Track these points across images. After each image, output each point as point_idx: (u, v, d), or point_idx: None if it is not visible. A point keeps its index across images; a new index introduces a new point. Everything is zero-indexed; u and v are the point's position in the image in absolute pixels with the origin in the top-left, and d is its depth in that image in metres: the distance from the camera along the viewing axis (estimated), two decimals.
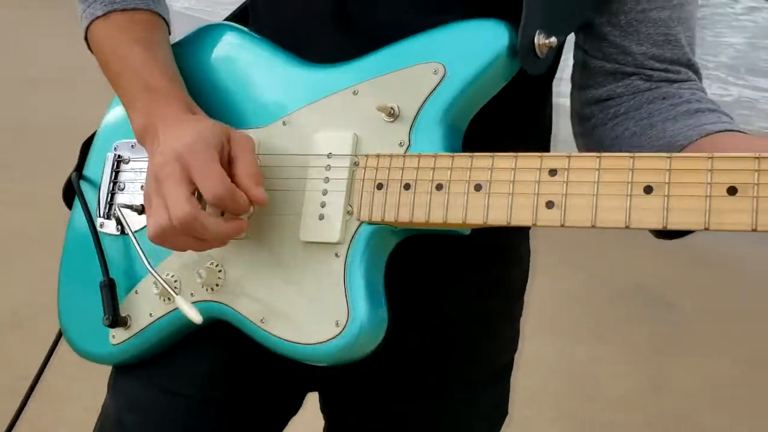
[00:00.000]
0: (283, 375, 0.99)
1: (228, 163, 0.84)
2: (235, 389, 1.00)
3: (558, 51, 0.92)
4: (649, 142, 0.88)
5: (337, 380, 1.02)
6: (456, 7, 0.85)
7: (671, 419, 2.87)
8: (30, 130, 4.84)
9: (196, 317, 0.86)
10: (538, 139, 1.00)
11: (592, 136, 0.96)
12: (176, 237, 0.82)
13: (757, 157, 0.64)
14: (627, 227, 0.68)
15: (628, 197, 0.68)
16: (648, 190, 0.67)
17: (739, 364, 3.26)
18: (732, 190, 0.64)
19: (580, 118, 0.97)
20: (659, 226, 0.66)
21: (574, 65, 0.97)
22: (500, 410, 1.11)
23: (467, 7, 0.84)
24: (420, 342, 0.99)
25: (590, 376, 3.15)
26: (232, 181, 0.83)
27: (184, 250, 0.88)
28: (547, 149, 1.01)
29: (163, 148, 0.83)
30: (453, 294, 0.99)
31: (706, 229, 0.65)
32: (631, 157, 0.69)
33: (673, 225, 0.66)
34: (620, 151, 0.91)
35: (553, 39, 0.81)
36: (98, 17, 0.97)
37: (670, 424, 2.84)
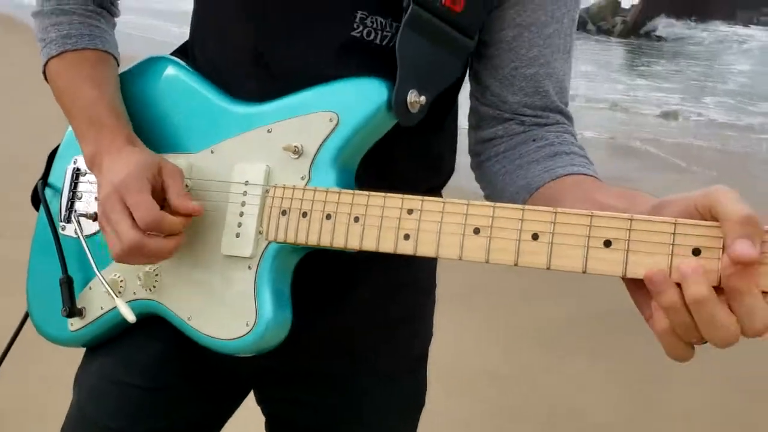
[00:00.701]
0: (219, 367, 1.16)
1: (162, 190, 1.02)
2: (177, 379, 1.17)
3: (442, 103, 1.10)
4: (516, 181, 1.06)
5: (266, 374, 1.19)
6: (352, 63, 1.03)
7: None
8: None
9: (130, 317, 1.05)
10: (433, 170, 1.18)
11: (481, 170, 1.14)
12: (131, 257, 1.00)
13: (554, 212, 0.82)
14: (460, 259, 0.87)
15: (462, 236, 0.86)
16: (476, 231, 0.86)
17: (727, 390, 3.39)
18: (535, 236, 0.83)
19: (473, 153, 1.15)
20: (483, 261, 0.85)
21: (469, 109, 1.15)
22: (416, 400, 1.28)
23: (362, 64, 1.02)
24: (333, 339, 1.16)
25: (577, 397, 3.27)
26: (168, 203, 1.02)
27: (145, 264, 1.06)
28: (439, 176, 1.19)
29: (104, 181, 1.02)
30: (359, 295, 1.16)
31: (516, 265, 0.83)
32: (467, 203, 0.87)
33: (493, 261, 0.84)
34: (497, 185, 1.10)
35: (423, 98, 0.98)
36: (53, 56, 1.13)
37: None
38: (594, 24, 26.74)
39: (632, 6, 30.89)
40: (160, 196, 1.02)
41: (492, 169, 1.11)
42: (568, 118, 1.11)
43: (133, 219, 0.99)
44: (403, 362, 1.25)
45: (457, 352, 3.54)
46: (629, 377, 3.49)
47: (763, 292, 0.71)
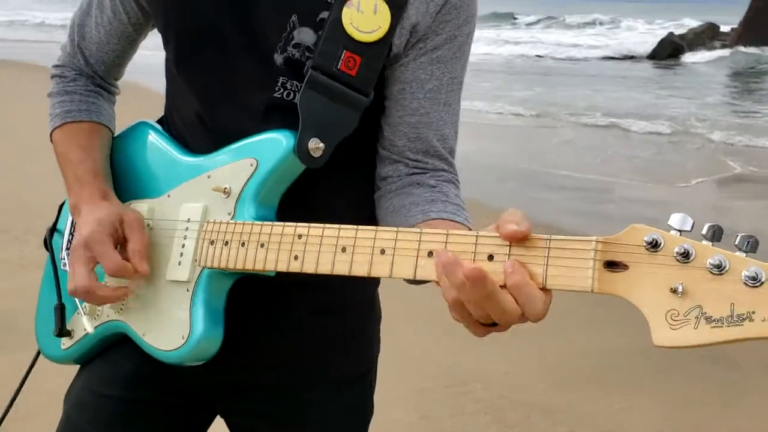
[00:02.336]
0: (186, 382, 1.36)
1: (123, 239, 1.25)
2: (150, 392, 1.37)
3: (361, 146, 1.29)
4: (399, 219, 1.23)
5: (225, 387, 1.38)
6: (276, 118, 1.23)
7: None
8: None
9: (89, 328, 1.28)
10: (355, 206, 1.34)
11: (379, 203, 1.31)
12: (82, 297, 1.23)
13: (396, 230, 0.99)
14: (332, 273, 1.04)
15: (334, 255, 1.04)
16: (344, 249, 1.04)
17: None
18: (383, 251, 1.00)
19: (376, 188, 1.33)
20: (346, 274, 1.02)
21: None
22: (362, 410, 1.44)
23: (283, 119, 1.22)
24: (282, 355, 1.35)
25: (620, 425, 3.31)
26: (127, 253, 1.23)
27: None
28: (363, 211, 1.35)
29: (78, 231, 1.25)
30: (297, 316, 1.34)
31: (369, 275, 1.01)
32: (338, 228, 1.05)
33: (354, 273, 1.02)
34: (387, 220, 1.26)
35: (322, 144, 1.18)
36: (57, 127, 1.40)
37: None
38: (691, 50, 26.10)
39: (732, 30, 29.78)
40: (122, 243, 1.25)
41: (384, 206, 1.29)
42: (450, 164, 1.29)
43: (90, 268, 1.22)
44: (349, 376, 1.41)
45: (507, 384, 3.64)
46: (673, 406, 3.50)
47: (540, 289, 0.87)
